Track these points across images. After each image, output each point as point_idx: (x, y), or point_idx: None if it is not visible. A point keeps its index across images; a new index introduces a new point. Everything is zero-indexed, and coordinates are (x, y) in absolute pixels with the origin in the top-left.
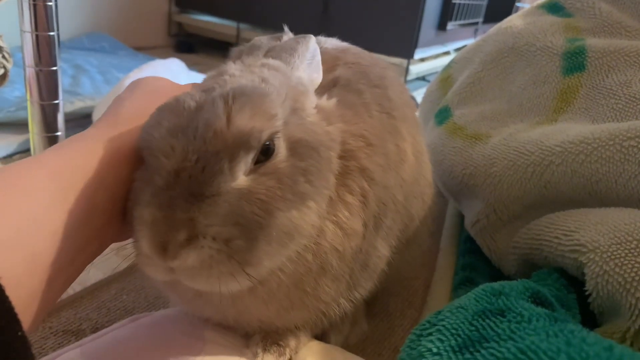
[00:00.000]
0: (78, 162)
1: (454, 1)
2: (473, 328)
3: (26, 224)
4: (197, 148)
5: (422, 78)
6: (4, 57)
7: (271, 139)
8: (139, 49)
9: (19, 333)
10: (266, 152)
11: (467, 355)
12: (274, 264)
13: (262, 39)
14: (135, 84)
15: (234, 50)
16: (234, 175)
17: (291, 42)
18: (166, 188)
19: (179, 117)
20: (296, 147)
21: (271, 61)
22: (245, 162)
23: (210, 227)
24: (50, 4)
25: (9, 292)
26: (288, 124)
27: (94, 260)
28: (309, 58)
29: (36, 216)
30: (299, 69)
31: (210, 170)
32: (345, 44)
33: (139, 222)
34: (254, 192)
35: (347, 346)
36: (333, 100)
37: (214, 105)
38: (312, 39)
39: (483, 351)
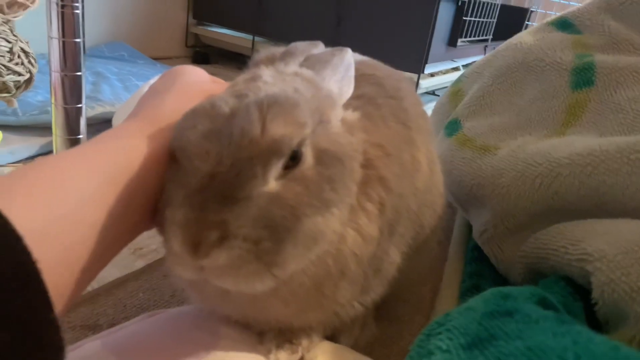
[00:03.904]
0: (120, 159)
1: (464, 18)
2: (482, 327)
3: (66, 215)
4: (232, 153)
5: (432, 92)
6: (30, 62)
7: (300, 145)
8: (156, 59)
9: (51, 316)
10: (294, 158)
11: (476, 352)
12: (299, 267)
13: (299, 46)
14: (173, 76)
15: (263, 53)
16: (266, 180)
17: (327, 54)
18: (200, 190)
19: (213, 122)
20: (322, 156)
21: (304, 71)
22: (277, 167)
23: (241, 229)
24: (77, 11)
25: (44, 280)
26: (315, 133)
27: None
28: (342, 71)
29: (76, 208)
30: (330, 81)
31: (245, 175)
32: (361, 56)
33: (172, 222)
34: (283, 197)
35: (356, 348)
36: (357, 114)
37: (248, 112)
38: (348, 53)
39: (492, 348)
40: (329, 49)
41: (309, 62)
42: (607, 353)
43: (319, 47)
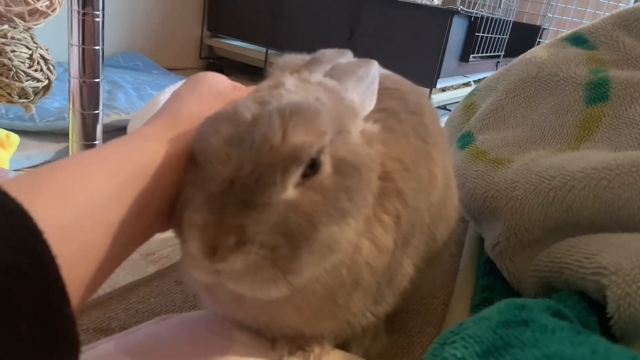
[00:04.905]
0: (139, 160)
1: (477, 34)
2: (497, 336)
3: (86, 214)
4: (253, 159)
5: (443, 107)
6: (49, 69)
7: (319, 154)
8: (171, 69)
9: (68, 311)
10: (312, 166)
11: None
12: (314, 274)
13: (326, 53)
14: (196, 81)
15: (288, 58)
16: (285, 187)
17: (353, 66)
18: (219, 194)
19: (235, 127)
20: (340, 166)
21: (328, 81)
22: (296, 175)
23: (258, 234)
24: (97, 19)
25: (62, 275)
26: (334, 143)
27: (124, 264)
28: (366, 84)
29: (95, 207)
30: (353, 92)
31: (264, 181)
32: (386, 71)
33: (190, 224)
34: (300, 205)
35: (367, 359)
36: (377, 126)
37: (270, 119)
38: (374, 65)
39: (508, 356)
40: (356, 60)
41: (334, 71)
42: None
43: (346, 56)
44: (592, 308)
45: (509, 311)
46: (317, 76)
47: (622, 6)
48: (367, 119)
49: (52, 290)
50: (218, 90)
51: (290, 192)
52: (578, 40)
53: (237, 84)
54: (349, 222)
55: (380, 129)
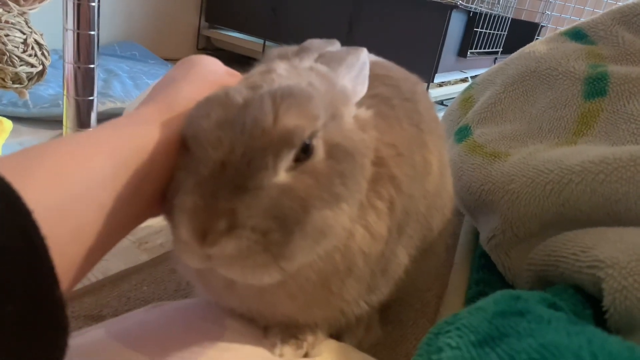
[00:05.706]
0: (134, 143)
1: (475, 29)
2: (493, 326)
3: (79, 195)
4: (244, 142)
5: (440, 102)
6: (43, 54)
7: (311, 138)
8: (167, 59)
9: (57, 293)
10: (305, 150)
11: (487, 349)
12: (306, 260)
13: (314, 42)
14: (189, 64)
15: (276, 51)
16: (277, 171)
17: (342, 52)
18: (210, 178)
19: (226, 111)
20: (333, 151)
21: (319, 66)
22: (287, 158)
23: (250, 219)
24: (93, 4)
25: (52, 256)
26: (327, 128)
27: (117, 251)
28: (357, 70)
29: (89, 189)
30: (344, 78)
31: (256, 164)
32: (377, 58)
33: (181, 209)
34: (293, 189)
35: (360, 350)
36: (370, 112)
37: (262, 102)
38: (363, 52)
39: (504, 346)
40: (345, 48)
41: (325, 58)
42: (623, 352)
43: (334, 45)
44: (587, 302)
45: (505, 302)
46: (308, 62)
47: (621, 4)
48: (359, 104)
49: (40, 271)
50: (212, 73)
51: (282, 176)
52: (577, 35)
53: (232, 71)
54: (343, 207)
55: (373, 114)
